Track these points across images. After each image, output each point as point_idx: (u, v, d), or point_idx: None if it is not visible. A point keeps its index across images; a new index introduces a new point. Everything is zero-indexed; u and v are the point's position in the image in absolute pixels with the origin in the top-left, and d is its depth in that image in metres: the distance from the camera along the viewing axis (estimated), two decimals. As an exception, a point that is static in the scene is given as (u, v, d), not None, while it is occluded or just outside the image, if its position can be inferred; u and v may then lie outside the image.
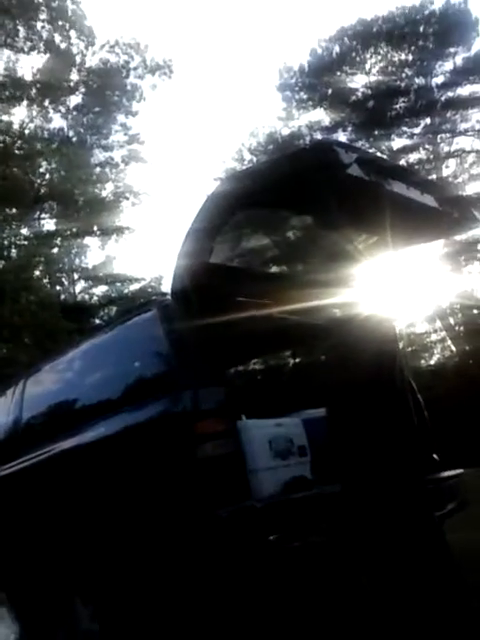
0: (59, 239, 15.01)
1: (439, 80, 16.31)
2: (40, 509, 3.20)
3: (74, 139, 17.93)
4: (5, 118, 13.66)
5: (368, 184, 2.50)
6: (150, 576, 2.65)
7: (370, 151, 3.31)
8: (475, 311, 17.69)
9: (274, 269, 4.50)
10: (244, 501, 2.43)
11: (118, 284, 19.46)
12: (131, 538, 2.69)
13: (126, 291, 19.14)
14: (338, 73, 16.58)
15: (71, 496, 3.05)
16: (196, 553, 2.43)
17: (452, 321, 17.32)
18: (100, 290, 19.58)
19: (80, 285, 19.70)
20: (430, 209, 2.87)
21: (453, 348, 17.04)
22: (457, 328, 17.23)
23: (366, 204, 2.73)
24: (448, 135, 16.76)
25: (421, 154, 16.90)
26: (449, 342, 17.26)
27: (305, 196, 2.59)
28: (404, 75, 16.30)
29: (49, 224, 16.14)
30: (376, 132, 15.95)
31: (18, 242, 13.38)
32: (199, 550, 2.42)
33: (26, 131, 15.18)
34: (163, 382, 2.79)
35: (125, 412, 2.88)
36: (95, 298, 19.05)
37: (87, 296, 19.16)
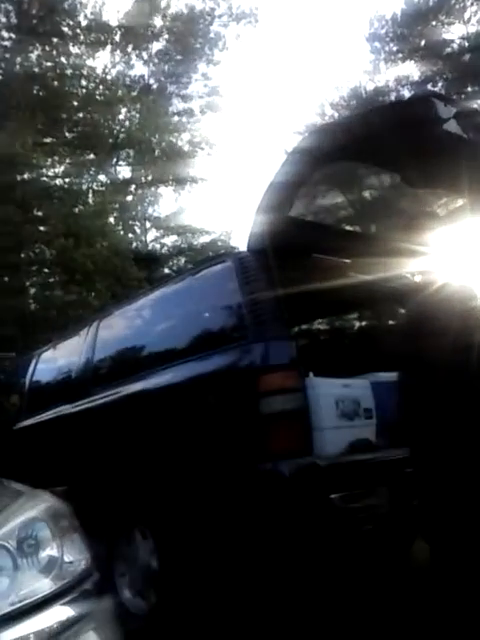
0: (134, 187, 15.18)
1: None
2: (106, 444, 3.33)
3: (154, 87, 17.90)
4: (89, 63, 13.73)
5: (464, 142, 2.36)
6: (209, 521, 2.72)
7: (472, 104, 3.11)
8: None
9: (348, 228, 4.38)
10: (307, 458, 2.43)
11: (189, 235, 19.59)
12: (192, 482, 2.76)
13: (196, 243, 19.26)
14: (433, 22, 15.61)
15: (137, 435, 3.16)
16: (256, 505, 2.46)
17: None
18: (171, 240, 19.77)
19: (151, 234, 19.97)
20: None
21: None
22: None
23: (458, 163, 2.59)
24: None
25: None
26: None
27: (396, 152, 2.48)
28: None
29: (125, 171, 16.34)
30: (469, 88, 15.03)
31: (95, 188, 13.61)
32: (259, 502, 2.45)
33: (108, 77, 15.26)
34: (234, 334, 2.79)
35: (194, 361, 2.92)
36: (166, 248, 19.28)
37: (158, 245, 19.40)
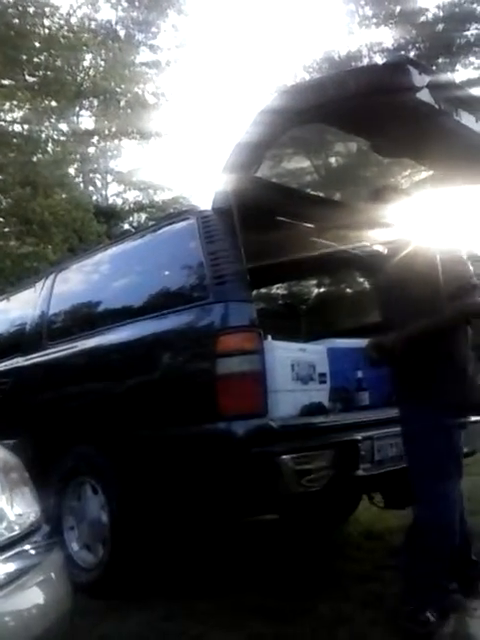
0: (96, 138, 14.69)
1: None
2: (60, 398, 3.31)
3: (121, 34, 17.19)
4: (53, 1, 13.03)
5: (435, 112, 2.35)
6: (161, 479, 2.74)
7: (445, 75, 3.08)
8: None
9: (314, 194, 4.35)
10: (261, 419, 2.46)
11: (151, 191, 19.21)
12: (146, 440, 2.77)
13: (158, 199, 18.92)
14: (410, -13, 15.36)
15: (91, 390, 3.15)
16: (209, 464, 2.49)
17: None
18: (132, 195, 19.37)
19: (113, 188, 19.49)
20: (497, 147, 2.70)
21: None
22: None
23: (428, 133, 2.58)
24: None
25: (485, 90, 15.92)
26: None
27: (366, 117, 2.45)
28: (483, -4, 15.02)
29: (88, 121, 15.78)
30: (440, 60, 14.95)
31: (55, 137, 13.10)
32: (212, 461, 2.48)
33: (73, 19, 14.55)
34: (194, 293, 2.77)
35: (153, 319, 2.89)
36: (127, 203, 18.87)
37: (119, 200, 18.98)
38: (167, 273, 3.01)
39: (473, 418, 3.43)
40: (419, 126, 2.48)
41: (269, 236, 3.23)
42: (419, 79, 2.19)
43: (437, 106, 2.33)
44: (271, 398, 2.55)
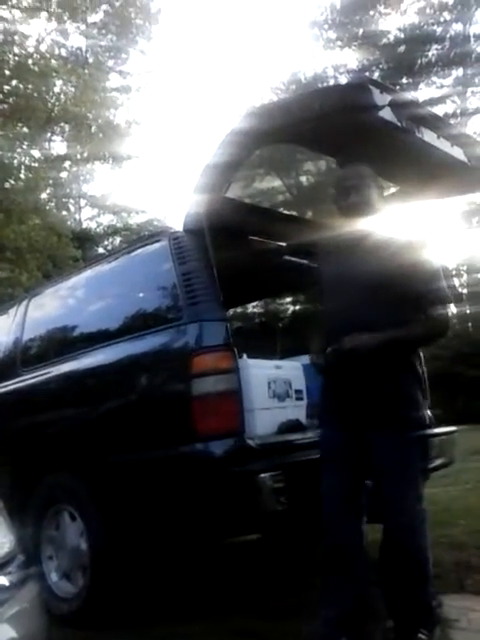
0: (69, 163, 14.68)
1: (477, 29, 15.57)
2: (35, 425, 3.26)
3: (91, 61, 17.28)
4: (23, 29, 13.09)
5: (398, 130, 2.40)
6: (140, 503, 2.71)
7: (406, 94, 3.16)
8: (480, 276, 17.61)
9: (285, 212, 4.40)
10: (239, 438, 2.45)
11: (124, 214, 19.24)
12: (123, 464, 2.74)
13: (132, 222, 18.95)
14: (371, 12, 15.81)
15: (66, 416, 3.11)
16: (188, 486, 2.47)
17: (457, 282, 17.24)
18: (106, 219, 19.38)
19: (86, 212, 19.48)
20: (458, 163, 2.78)
21: (454, 309, 17.05)
22: (460, 290, 17.16)
23: (393, 151, 2.64)
24: (479, 90, 16.15)
25: (448, 107, 16.35)
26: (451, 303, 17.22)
27: (332, 136, 2.50)
28: (442, 19, 15.51)
29: (60, 147, 15.78)
30: (404, 80, 15.36)
31: (27, 163, 13.07)
32: (191, 483, 2.46)
33: (42, 47, 14.61)
34: (168, 314, 2.77)
35: (128, 341, 2.88)
36: (101, 227, 18.85)
37: (93, 224, 18.96)
38: (141, 295, 3.00)
39: (447, 429, 3.49)
40: (383, 144, 2.53)
41: (242, 255, 3.25)
42: (380, 98, 2.24)
43: (400, 124, 2.38)
44: (248, 416, 2.56)
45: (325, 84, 15.61)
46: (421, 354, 2.96)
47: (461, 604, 2.64)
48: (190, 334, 2.58)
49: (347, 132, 2.48)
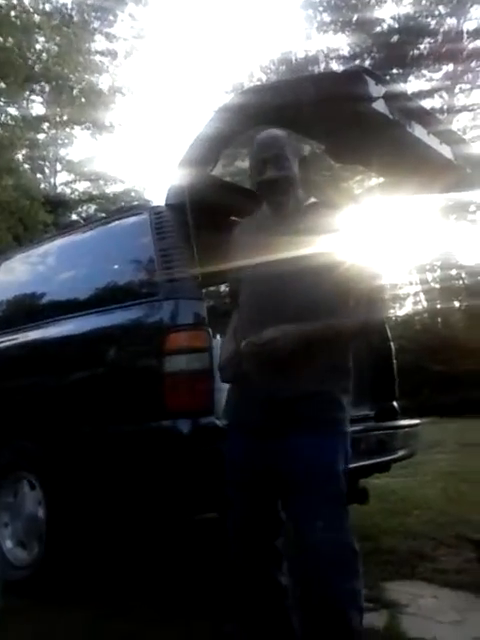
0: (47, 125, 14.29)
1: (471, 25, 15.57)
2: (1, 388, 3.20)
3: (76, 20, 16.75)
4: (4, -21, 12.57)
5: (390, 122, 2.40)
6: (103, 475, 2.70)
7: (400, 88, 3.13)
8: (453, 271, 17.91)
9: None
10: (208, 418, 2.45)
11: (101, 182, 18.89)
12: (89, 435, 2.73)
13: (109, 191, 18.63)
14: (367, -2, 15.68)
15: (32, 383, 3.07)
16: (154, 462, 2.46)
17: (429, 277, 17.50)
18: (82, 186, 19.00)
19: (62, 177, 19.05)
20: (445, 161, 2.79)
21: (424, 303, 17.33)
22: (432, 285, 17.44)
23: (381, 142, 2.64)
24: (468, 87, 16.23)
25: (435, 101, 16.41)
26: (422, 297, 17.52)
27: (322, 122, 2.48)
28: (437, 13, 15.48)
29: (38, 107, 15.36)
30: (394, 70, 15.34)
31: (3, 120, 12.70)
32: (158, 460, 2.46)
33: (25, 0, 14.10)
34: (144, 289, 2.74)
35: (102, 313, 2.84)
36: (76, 193, 18.48)
37: (68, 190, 18.57)
38: (117, 267, 2.96)
39: (411, 421, 3.56)
40: (372, 135, 2.53)
41: (223, 235, 3.22)
42: (375, 89, 2.23)
43: (391, 117, 2.37)
44: (218, 396, 2.55)
45: (315, 67, 15.51)
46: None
47: (412, 590, 2.72)
48: (165, 311, 2.57)
49: (338, 120, 2.47)
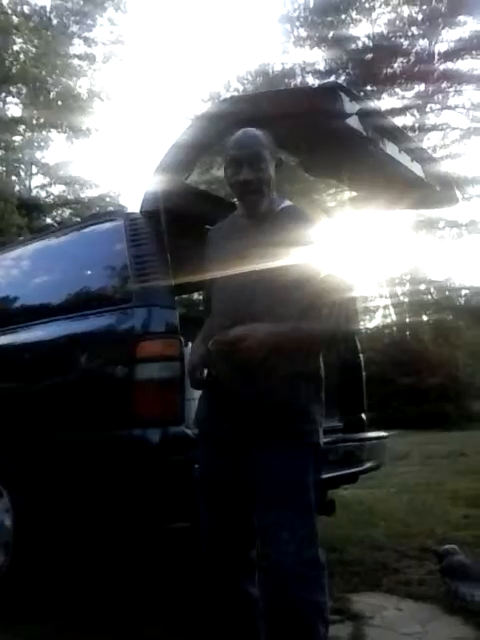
0: (23, 127, 14.17)
1: (442, 47, 15.97)
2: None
3: (55, 23, 16.67)
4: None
5: (363, 139, 2.44)
6: (70, 483, 2.66)
7: (373, 104, 3.18)
8: (422, 286, 18.23)
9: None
10: (178, 427, 2.45)
11: (77, 186, 18.76)
12: (56, 443, 2.69)
13: (83, 196, 18.50)
14: (343, 16, 15.97)
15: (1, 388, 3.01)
16: (122, 471, 2.44)
17: (399, 291, 17.77)
18: (57, 189, 18.84)
19: (37, 180, 18.86)
20: (415, 178, 2.85)
21: (394, 317, 17.57)
22: (402, 299, 17.71)
23: (354, 158, 2.68)
24: (438, 107, 16.62)
25: (407, 119, 16.75)
26: (391, 310, 17.78)
27: (296, 135, 2.51)
28: (409, 33, 15.87)
29: (14, 109, 15.21)
30: (367, 87, 15.62)
31: (-22, 120, 12.55)
32: (125, 468, 2.44)
33: (4, 1, 13.99)
34: (116, 296, 2.74)
35: (73, 320, 2.82)
36: (51, 197, 18.31)
37: (43, 193, 18.38)
38: (89, 273, 2.95)
39: (379, 434, 3.61)
40: (346, 150, 2.57)
41: (195, 244, 3.23)
42: (349, 106, 2.27)
43: (365, 133, 2.41)
44: (188, 406, 2.55)
45: (292, 80, 15.67)
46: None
47: (376, 602, 2.75)
48: (137, 318, 2.56)
49: (312, 134, 2.51)
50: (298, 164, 2.93)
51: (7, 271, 3.51)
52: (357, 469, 3.18)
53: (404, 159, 2.74)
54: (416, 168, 2.84)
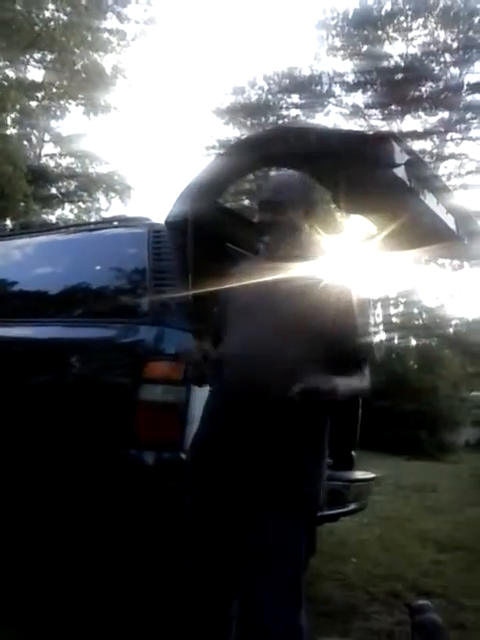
0: (42, 94, 13.94)
1: (473, 78, 15.99)
2: None
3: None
4: None
5: (406, 189, 2.40)
6: (58, 498, 2.57)
7: (421, 156, 3.14)
8: (415, 310, 18.28)
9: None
10: (176, 452, 2.39)
11: (87, 161, 18.52)
12: (47, 456, 2.59)
13: (92, 171, 18.28)
14: (380, 32, 15.90)
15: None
16: (116, 492, 2.38)
17: (392, 311, 17.79)
18: (66, 161, 18.58)
19: (47, 148, 18.62)
20: (447, 230, 2.82)
21: (383, 337, 17.58)
22: (393, 320, 17.74)
23: (392, 204, 2.64)
24: (459, 136, 16.62)
25: (426, 145, 16.73)
26: (382, 330, 17.78)
27: (339, 176, 2.46)
28: (442, 59, 15.84)
29: (36, 74, 14.96)
30: (392, 107, 15.59)
31: (-1, 79, 12.30)
32: (120, 489, 2.38)
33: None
34: (130, 308, 2.66)
35: (76, 325, 2.74)
36: (60, 168, 18.07)
37: (52, 163, 18.13)
38: (104, 280, 2.85)
39: (367, 476, 3.57)
40: (386, 197, 2.53)
41: (215, 260, 3.17)
42: (399, 156, 2.23)
43: (409, 184, 2.38)
44: (189, 431, 2.49)
45: (318, 87, 15.59)
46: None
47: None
48: (149, 336, 2.49)
49: (354, 176, 2.46)
50: (331, 199, 2.88)
51: (16, 262, 3.38)
52: (342, 510, 3.15)
53: (440, 211, 2.71)
54: (450, 220, 2.81)
